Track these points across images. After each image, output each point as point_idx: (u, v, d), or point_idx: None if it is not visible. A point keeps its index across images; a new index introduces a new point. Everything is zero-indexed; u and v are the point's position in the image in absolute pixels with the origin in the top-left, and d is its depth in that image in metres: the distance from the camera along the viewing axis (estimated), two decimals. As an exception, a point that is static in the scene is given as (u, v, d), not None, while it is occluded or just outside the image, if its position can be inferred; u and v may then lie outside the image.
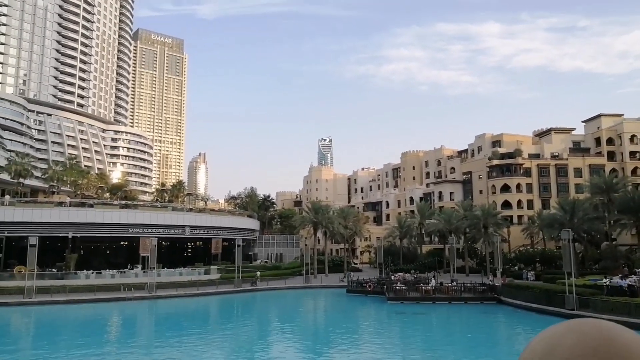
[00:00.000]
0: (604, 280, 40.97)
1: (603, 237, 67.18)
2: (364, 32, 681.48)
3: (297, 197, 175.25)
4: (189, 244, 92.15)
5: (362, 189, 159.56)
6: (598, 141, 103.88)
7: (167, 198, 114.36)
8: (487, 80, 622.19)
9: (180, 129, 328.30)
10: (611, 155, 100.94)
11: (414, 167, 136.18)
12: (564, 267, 38.38)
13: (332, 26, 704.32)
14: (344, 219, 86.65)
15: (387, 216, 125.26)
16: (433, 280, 51.54)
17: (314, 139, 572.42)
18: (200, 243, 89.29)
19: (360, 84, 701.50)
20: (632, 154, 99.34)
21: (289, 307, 51.19)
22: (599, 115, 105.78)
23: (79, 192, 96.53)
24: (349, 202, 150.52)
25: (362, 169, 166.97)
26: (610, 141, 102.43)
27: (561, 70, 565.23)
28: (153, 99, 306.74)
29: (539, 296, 40.29)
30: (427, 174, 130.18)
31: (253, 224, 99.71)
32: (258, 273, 64.36)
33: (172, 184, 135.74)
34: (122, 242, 78.86)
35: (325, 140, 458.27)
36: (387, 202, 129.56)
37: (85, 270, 60.06)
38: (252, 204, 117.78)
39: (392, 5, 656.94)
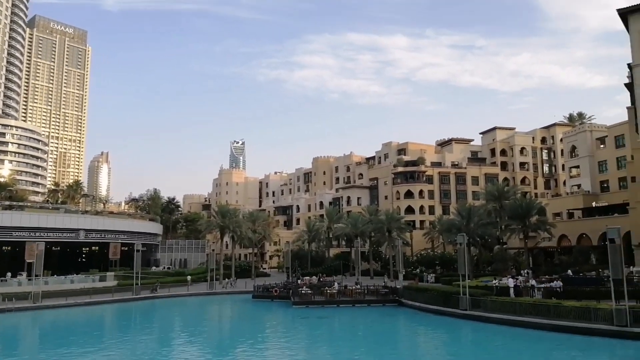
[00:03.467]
0: (494, 281, 43.57)
1: (495, 241, 71.95)
2: (276, 37, 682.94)
3: (205, 201, 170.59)
4: (83, 249, 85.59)
5: (273, 192, 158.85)
6: (493, 152, 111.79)
7: (60, 199, 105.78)
8: (394, 91, 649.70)
9: (80, 126, 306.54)
10: (504, 165, 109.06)
11: (324, 172, 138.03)
12: (459, 270, 40.25)
13: (245, 29, 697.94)
14: (253, 223, 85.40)
15: (298, 220, 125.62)
16: (336, 284, 51.94)
17: (226, 141, 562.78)
18: (97, 248, 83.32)
19: (273, 88, 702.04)
20: (522, 164, 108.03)
21: (191, 315, 48.99)
22: (495, 128, 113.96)
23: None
24: (260, 206, 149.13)
25: (275, 172, 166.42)
26: (503, 152, 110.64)
27: (462, 84, 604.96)
28: (50, 93, 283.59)
29: (436, 298, 41.89)
30: (337, 179, 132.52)
31: (155, 227, 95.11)
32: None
33: (68, 184, 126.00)
34: (4, 247, 71.34)
35: (237, 142, 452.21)
36: (297, 206, 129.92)
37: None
38: (155, 206, 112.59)
39: (305, 12, 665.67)
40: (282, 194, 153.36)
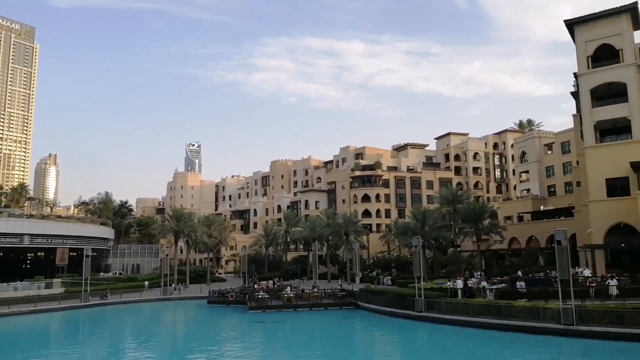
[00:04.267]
0: (448, 283, 44.40)
1: (449, 243, 73.54)
2: (234, 39, 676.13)
3: (159, 204, 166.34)
4: (28, 254, 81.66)
5: (230, 196, 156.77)
6: (447, 157, 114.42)
7: (3, 203, 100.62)
8: (351, 96, 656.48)
9: (27, 126, 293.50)
10: (458, 170, 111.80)
11: (282, 176, 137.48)
12: (414, 272, 40.78)
13: (202, 30, 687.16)
14: (209, 227, 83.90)
15: (255, 224, 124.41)
16: (289, 288, 51.59)
17: (181, 143, 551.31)
18: (43, 253, 79.63)
19: (230, 90, 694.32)
20: (475, 169, 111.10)
21: (143, 322, 47.52)
22: (449, 134, 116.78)
23: None
24: (216, 210, 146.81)
25: (232, 176, 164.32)
26: (457, 157, 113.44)
27: (417, 91, 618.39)
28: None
29: (392, 300, 42.26)
30: (295, 182, 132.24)
31: (106, 232, 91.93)
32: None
33: (12, 187, 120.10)
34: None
35: (193, 145, 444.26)
36: (255, 210, 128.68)
37: None
38: (106, 210, 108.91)
39: (263, 14, 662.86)
40: (239, 198, 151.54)
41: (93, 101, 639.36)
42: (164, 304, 57.00)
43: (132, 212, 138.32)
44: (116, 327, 44.38)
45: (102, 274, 79.77)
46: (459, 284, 41.72)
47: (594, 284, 37.10)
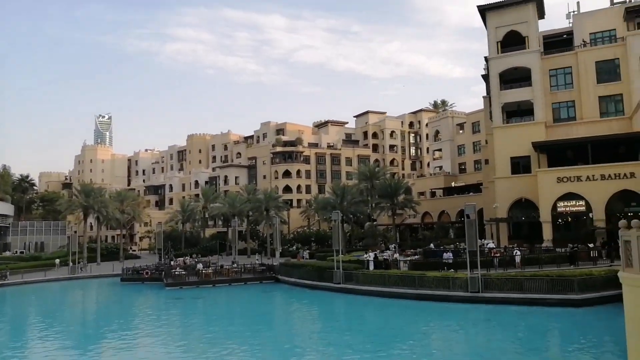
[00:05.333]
0: (365, 255, 45.87)
1: (366, 218, 75.89)
2: (146, 6, 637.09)
3: (66, 179, 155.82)
4: None
5: (144, 171, 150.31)
6: (366, 135, 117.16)
7: None
8: (271, 71, 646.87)
9: None
10: (375, 148, 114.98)
11: (200, 151, 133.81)
12: (333, 245, 41.69)
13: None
14: (121, 202, 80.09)
15: (171, 200, 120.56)
16: (200, 265, 50.75)
17: (90, 115, 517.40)
18: None
19: (144, 60, 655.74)
20: (391, 147, 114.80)
21: (49, 302, 44.59)
22: (367, 112, 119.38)
23: None
24: (129, 185, 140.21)
25: (145, 150, 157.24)
26: (375, 135, 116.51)
27: (337, 68, 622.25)
28: None
29: (311, 273, 43.04)
30: (214, 157, 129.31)
31: (4, 208, 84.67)
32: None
33: None
34: None
35: (103, 117, 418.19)
36: (170, 185, 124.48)
37: None
38: (4, 185, 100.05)
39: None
40: (154, 173, 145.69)
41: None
42: (72, 283, 53.87)
43: (35, 187, 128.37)
44: (17, 310, 41.27)
45: (9, 252, 73.64)
46: (371, 255, 43.38)
47: (498, 255, 39.99)
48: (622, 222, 13.55)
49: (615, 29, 52.08)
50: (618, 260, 23.46)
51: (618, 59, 49.86)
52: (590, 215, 45.20)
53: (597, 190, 44.42)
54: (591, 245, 40.93)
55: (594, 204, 44.69)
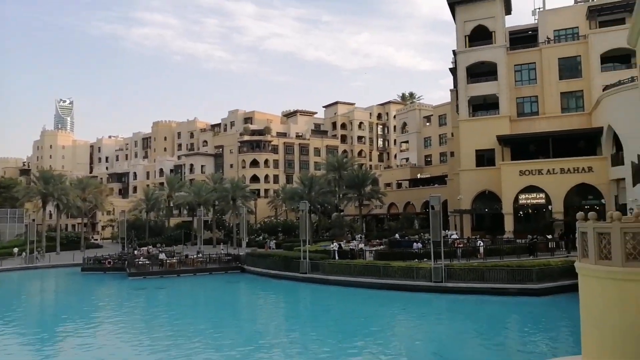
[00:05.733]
0: (331, 245, 46.08)
1: (334, 208, 76.19)
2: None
3: (24, 165, 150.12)
4: None
5: (107, 158, 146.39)
6: (334, 125, 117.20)
7: None
8: (240, 59, 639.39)
9: None
10: (344, 138, 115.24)
11: (165, 138, 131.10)
12: (300, 235, 41.66)
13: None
14: (83, 190, 77.64)
15: (135, 188, 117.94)
16: (163, 254, 49.90)
17: (50, 99, 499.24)
18: None
19: (108, 45, 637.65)
20: (359, 138, 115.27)
21: (5, 292, 42.94)
22: (336, 103, 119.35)
23: None
24: (91, 172, 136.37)
25: (109, 136, 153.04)
26: (343, 126, 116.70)
27: (307, 58, 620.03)
28: None
29: (278, 263, 42.93)
30: (180, 145, 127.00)
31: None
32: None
33: None
34: None
35: (64, 102, 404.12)
36: (135, 173, 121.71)
37: None
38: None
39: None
40: (117, 160, 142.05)
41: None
42: (29, 273, 52.10)
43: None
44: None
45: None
46: (334, 245, 43.70)
47: (461, 245, 40.81)
48: (579, 214, 13.91)
49: (578, 27, 53.51)
50: (574, 251, 24.25)
51: (580, 56, 51.31)
52: (550, 207, 46.63)
53: (557, 184, 45.82)
54: (550, 236, 42.25)
55: (553, 197, 46.08)
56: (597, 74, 49.59)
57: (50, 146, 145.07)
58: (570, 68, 51.93)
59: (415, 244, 42.36)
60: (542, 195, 47.13)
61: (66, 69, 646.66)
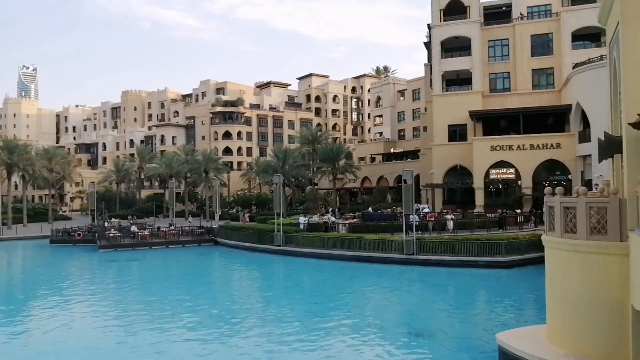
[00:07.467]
0: (300, 218, 46.44)
1: (308, 182, 76.35)
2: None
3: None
4: None
5: (74, 128, 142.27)
6: (309, 98, 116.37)
7: None
8: (211, 27, 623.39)
9: None
10: (318, 111, 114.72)
11: (135, 108, 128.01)
12: (274, 208, 41.73)
13: None
14: (50, 161, 75.45)
15: (104, 159, 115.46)
16: (134, 226, 49.34)
17: (13, 66, 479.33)
18: None
19: (72, 9, 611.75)
20: (334, 111, 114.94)
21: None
22: (310, 75, 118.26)
23: None
24: (57, 142, 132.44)
25: (76, 105, 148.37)
26: (318, 99, 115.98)
27: (280, 28, 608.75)
28: None
29: (251, 235, 43.04)
30: (150, 116, 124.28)
31: None
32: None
33: None
34: None
35: (28, 68, 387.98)
36: (104, 143, 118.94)
37: None
38: None
39: None
40: (85, 130, 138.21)
41: None
42: (-6, 245, 50.84)
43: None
44: None
45: None
46: (301, 219, 44.16)
47: (433, 219, 41.60)
48: (547, 189, 14.34)
49: (550, 4, 53.98)
50: (542, 225, 25.02)
51: (552, 33, 51.96)
52: (519, 182, 47.81)
53: (527, 159, 46.91)
54: (519, 211, 43.44)
55: (522, 172, 47.23)
56: (567, 52, 50.39)
57: (14, 115, 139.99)
58: (542, 45, 52.59)
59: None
60: (512, 170, 48.23)
61: (28, 34, 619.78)
